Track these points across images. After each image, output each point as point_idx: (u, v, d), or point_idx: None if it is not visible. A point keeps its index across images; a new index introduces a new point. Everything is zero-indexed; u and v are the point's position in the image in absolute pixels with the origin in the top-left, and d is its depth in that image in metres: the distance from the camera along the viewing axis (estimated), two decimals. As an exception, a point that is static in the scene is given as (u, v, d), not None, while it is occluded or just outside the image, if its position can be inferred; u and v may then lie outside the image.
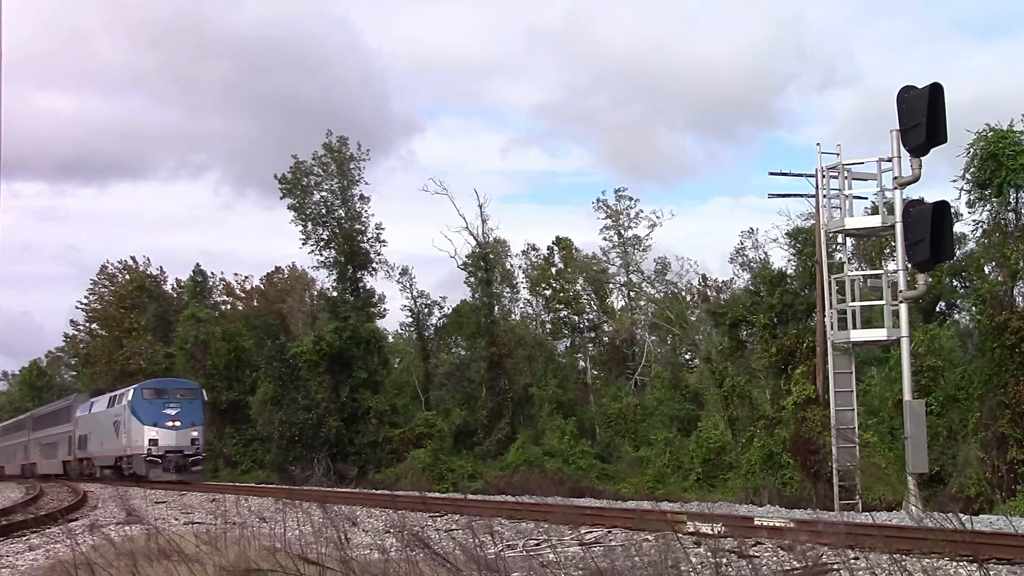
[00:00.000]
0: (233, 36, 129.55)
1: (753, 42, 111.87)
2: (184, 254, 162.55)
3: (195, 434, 44.36)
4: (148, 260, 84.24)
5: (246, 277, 79.22)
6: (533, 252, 60.91)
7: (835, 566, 8.53)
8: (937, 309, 38.33)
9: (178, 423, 43.93)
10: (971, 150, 25.15)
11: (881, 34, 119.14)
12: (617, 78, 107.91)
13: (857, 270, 29.34)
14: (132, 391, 45.76)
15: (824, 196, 24.19)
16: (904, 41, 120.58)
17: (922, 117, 20.20)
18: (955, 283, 38.12)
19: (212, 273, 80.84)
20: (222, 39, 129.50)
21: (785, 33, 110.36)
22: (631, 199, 57.66)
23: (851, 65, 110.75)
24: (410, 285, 57.90)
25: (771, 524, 13.89)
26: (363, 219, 54.41)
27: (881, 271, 27.34)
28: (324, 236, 53.82)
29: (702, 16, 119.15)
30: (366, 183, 54.92)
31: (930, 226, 20.49)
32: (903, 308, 21.62)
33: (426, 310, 58.63)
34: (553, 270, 60.27)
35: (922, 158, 21.05)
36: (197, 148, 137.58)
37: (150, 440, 43.26)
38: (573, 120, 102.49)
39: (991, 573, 9.11)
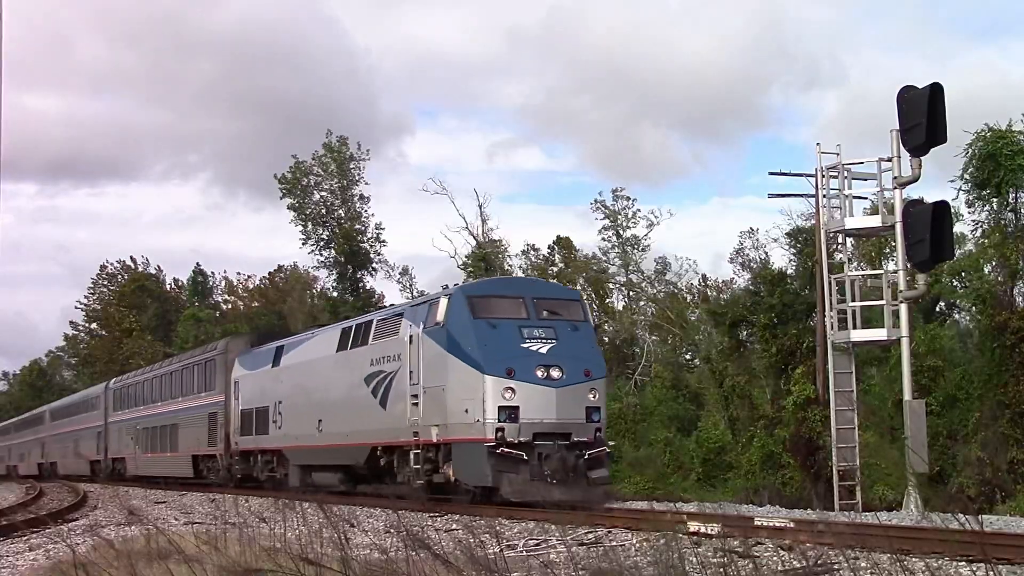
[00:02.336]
0: (220, 36, 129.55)
1: (736, 42, 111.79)
2: (179, 254, 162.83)
3: (593, 396, 20.27)
4: (147, 260, 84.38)
5: (248, 276, 79.30)
6: (533, 252, 60.93)
7: (836, 566, 8.53)
8: (937, 309, 38.30)
9: (559, 371, 20.11)
10: (969, 150, 25.15)
11: (869, 34, 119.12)
12: (603, 78, 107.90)
13: (857, 270, 29.32)
14: (445, 302, 21.02)
15: (824, 196, 24.18)
16: (892, 41, 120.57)
17: (922, 117, 20.20)
18: (955, 283, 38.11)
19: (212, 273, 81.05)
20: (209, 39, 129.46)
21: (768, 32, 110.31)
22: (628, 199, 57.64)
23: (835, 65, 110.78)
24: (410, 285, 57.90)
25: (771, 524, 13.90)
26: (363, 219, 54.43)
27: (881, 271, 27.30)
28: (324, 236, 53.81)
29: (684, 15, 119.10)
30: (366, 183, 54.96)
31: (930, 226, 20.49)
32: (903, 308, 21.60)
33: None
34: (553, 270, 60.24)
35: (922, 158, 21.07)
36: (188, 148, 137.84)
37: (501, 411, 19.53)
38: (566, 120, 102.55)
39: (991, 574, 9.10)
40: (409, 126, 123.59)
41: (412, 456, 21.20)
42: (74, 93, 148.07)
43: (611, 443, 21.13)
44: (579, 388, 19.84)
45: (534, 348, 19.92)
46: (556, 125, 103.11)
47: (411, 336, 21.66)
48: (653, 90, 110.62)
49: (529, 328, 20.22)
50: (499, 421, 19.13)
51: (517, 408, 19.29)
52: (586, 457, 19.31)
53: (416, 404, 21.16)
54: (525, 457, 18.90)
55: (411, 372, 21.45)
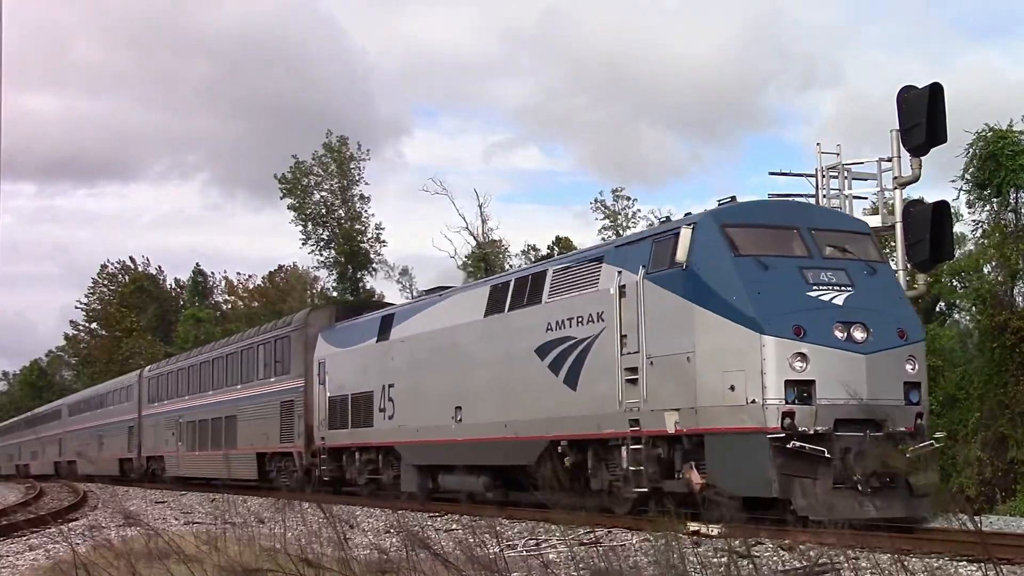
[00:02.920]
0: (219, 36, 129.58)
1: (733, 41, 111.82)
2: (178, 254, 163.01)
3: (912, 368, 14.22)
4: (148, 260, 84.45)
5: (249, 276, 79.37)
6: (533, 252, 60.91)
7: (836, 566, 8.53)
8: (937, 309, 38.29)
9: (863, 331, 13.85)
10: (970, 150, 25.17)
11: (867, 34, 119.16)
12: (601, 78, 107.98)
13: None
14: (687, 233, 14.77)
15: (824, 196, 24.17)
16: (891, 41, 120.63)
17: (922, 117, 20.19)
18: (955, 283, 38.10)
19: (212, 273, 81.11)
20: (207, 39, 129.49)
21: (765, 32, 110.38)
22: (628, 199, 57.63)
23: (833, 65, 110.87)
24: (410, 285, 57.91)
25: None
26: (363, 219, 54.46)
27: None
28: (324, 236, 53.84)
29: (681, 16, 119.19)
30: (366, 183, 55.00)
31: (930, 226, 20.48)
32: (903, 308, 21.58)
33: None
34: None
35: (922, 158, 21.07)
36: (186, 149, 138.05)
37: (788, 387, 13.43)
38: (564, 121, 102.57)
39: (990, 574, 9.10)
40: (407, 126, 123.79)
41: (624, 454, 15.35)
42: (72, 93, 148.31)
43: (938, 435, 14.96)
44: (893, 355, 13.92)
45: (826, 298, 14.04)
46: (554, 126, 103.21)
47: (621, 286, 15.74)
48: (651, 90, 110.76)
49: (814, 270, 14.35)
50: (787, 402, 13.27)
51: (812, 383, 13.39)
52: (908, 454, 13.30)
53: (634, 381, 15.29)
54: (826, 454, 13.07)
55: (623, 337, 15.63)
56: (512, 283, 19.02)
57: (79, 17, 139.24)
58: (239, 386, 32.32)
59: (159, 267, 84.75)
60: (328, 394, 25.44)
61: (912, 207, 21.50)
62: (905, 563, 7.56)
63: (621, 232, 56.35)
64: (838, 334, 13.64)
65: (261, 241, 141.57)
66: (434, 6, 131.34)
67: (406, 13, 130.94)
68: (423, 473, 21.56)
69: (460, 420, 19.79)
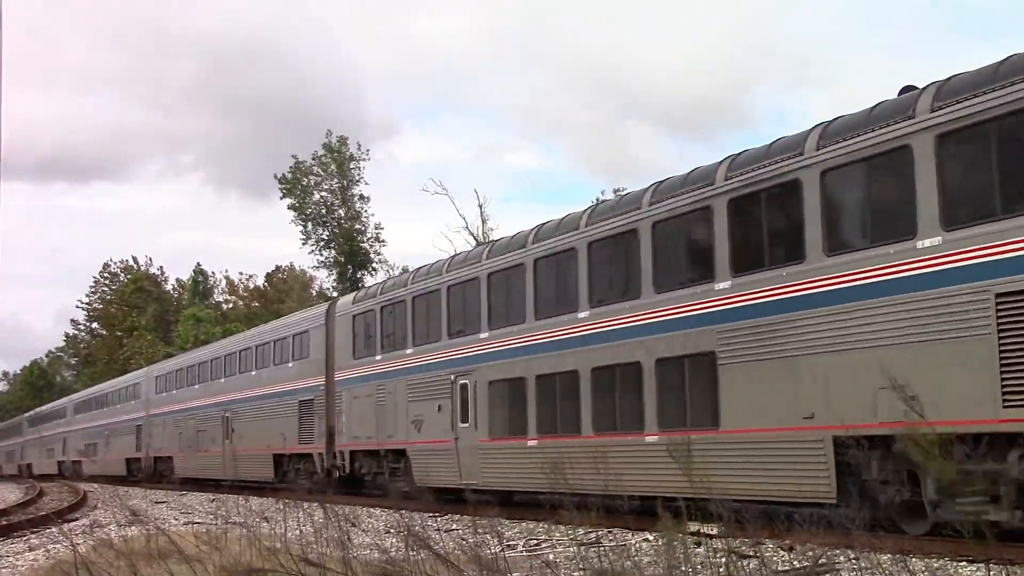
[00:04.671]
0: (212, 37, 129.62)
1: (722, 42, 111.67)
2: (176, 254, 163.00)
3: None
4: (151, 260, 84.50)
5: (250, 276, 79.40)
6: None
7: (835, 566, 8.52)
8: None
9: None
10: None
11: (854, 36, 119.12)
12: (586, 80, 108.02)
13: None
14: None
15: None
16: (880, 42, 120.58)
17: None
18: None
19: (212, 272, 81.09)
20: (199, 40, 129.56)
21: (754, 33, 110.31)
22: (630, 199, 57.67)
23: (821, 65, 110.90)
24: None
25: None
26: (363, 219, 54.50)
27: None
28: (324, 236, 53.87)
29: (672, 18, 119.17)
30: (366, 183, 55.04)
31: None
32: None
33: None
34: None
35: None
36: (181, 149, 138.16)
37: None
38: (557, 122, 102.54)
39: (991, 574, 9.10)
40: (398, 127, 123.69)
41: None
42: (65, 93, 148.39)
43: None
44: None
45: None
46: (547, 126, 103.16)
47: None
48: (641, 90, 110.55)
49: None
50: None
51: None
52: None
53: None
54: None
55: None
56: None
57: (70, 18, 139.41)
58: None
59: (161, 268, 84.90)
60: None
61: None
62: (906, 563, 7.57)
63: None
64: None
65: (259, 241, 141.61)
66: (427, 7, 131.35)
67: (398, 14, 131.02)
68: None
69: None
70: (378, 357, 23.68)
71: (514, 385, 18.54)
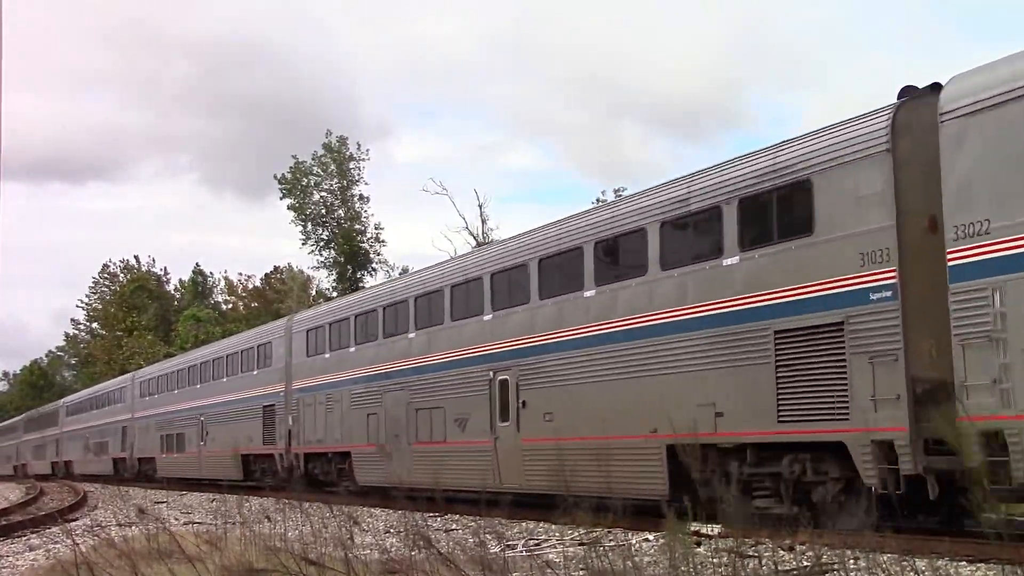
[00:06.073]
0: (204, 36, 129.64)
1: (716, 43, 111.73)
2: (175, 255, 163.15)
3: None
4: (153, 260, 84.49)
5: (249, 277, 79.41)
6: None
7: (835, 566, 8.53)
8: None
9: None
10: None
11: (848, 35, 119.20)
12: (578, 80, 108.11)
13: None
14: None
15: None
16: (875, 41, 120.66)
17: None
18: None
19: (211, 273, 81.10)
20: (196, 41, 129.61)
21: (747, 33, 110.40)
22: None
23: (815, 65, 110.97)
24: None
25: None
26: (363, 219, 54.50)
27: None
28: (324, 236, 53.87)
29: (664, 17, 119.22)
30: (365, 183, 55.04)
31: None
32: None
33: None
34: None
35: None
36: (178, 149, 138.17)
37: None
38: (552, 122, 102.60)
39: (991, 573, 9.12)
40: (393, 127, 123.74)
41: None
42: (60, 94, 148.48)
43: None
44: None
45: None
46: (539, 126, 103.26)
47: None
48: (634, 90, 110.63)
49: None
50: None
51: None
52: None
53: None
54: None
55: None
56: None
57: (65, 18, 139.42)
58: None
59: (165, 268, 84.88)
60: None
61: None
62: (906, 563, 7.57)
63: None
64: None
65: (258, 241, 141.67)
66: (422, 7, 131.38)
67: (394, 14, 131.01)
68: None
69: None
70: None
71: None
